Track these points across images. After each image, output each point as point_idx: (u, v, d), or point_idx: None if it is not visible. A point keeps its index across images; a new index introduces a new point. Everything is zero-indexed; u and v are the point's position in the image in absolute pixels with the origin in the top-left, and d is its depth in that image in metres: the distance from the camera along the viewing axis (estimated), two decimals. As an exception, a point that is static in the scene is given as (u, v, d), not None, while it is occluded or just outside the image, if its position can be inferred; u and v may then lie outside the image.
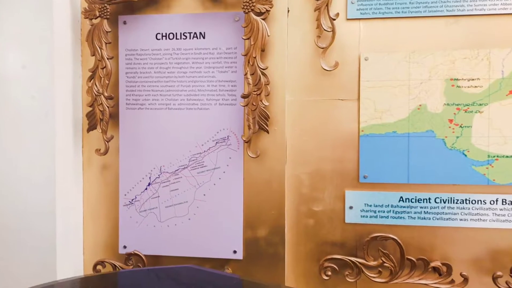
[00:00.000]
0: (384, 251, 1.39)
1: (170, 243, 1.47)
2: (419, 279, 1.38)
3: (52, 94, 1.39)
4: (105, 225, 1.52)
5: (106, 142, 1.46)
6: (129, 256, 1.49)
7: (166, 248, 1.48)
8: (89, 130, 1.46)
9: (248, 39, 1.36)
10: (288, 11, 1.41)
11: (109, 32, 1.43)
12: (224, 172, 1.44)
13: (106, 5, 1.42)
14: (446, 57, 1.37)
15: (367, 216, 1.41)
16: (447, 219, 1.38)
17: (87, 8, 1.43)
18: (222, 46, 1.43)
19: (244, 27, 1.36)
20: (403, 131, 1.38)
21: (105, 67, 1.42)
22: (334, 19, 1.36)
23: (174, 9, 1.45)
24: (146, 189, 1.48)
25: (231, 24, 1.42)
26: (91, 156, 1.52)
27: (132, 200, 1.49)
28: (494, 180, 1.36)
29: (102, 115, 1.44)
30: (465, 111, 1.36)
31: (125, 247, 1.50)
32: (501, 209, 1.36)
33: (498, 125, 1.35)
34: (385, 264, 1.39)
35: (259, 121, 1.38)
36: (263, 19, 1.35)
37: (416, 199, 1.39)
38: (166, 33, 1.45)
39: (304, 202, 1.44)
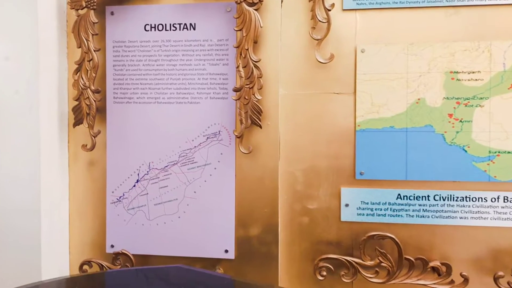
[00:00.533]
0: (381, 251, 1.37)
1: (159, 242, 1.45)
2: (418, 280, 1.36)
3: (36, 87, 1.37)
4: (92, 224, 1.50)
5: (93, 137, 1.43)
6: (116, 255, 1.46)
7: (155, 247, 1.45)
8: (75, 124, 1.44)
9: (240, 30, 1.34)
10: (282, 1, 1.39)
11: (96, 23, 1.40)
12: (215, 168, 1.42)
13: (92, -5, 1.39)
14: (445, 49, 1.34)
15: (363, 214, 1.39)
16: (446, 217, 1.36)
17: (73, -2, 1.40)
18: (213, 37, 1.40)
19: (236, 18, 1.34)
20: (401, 126, 1.36)
21: (91, 59, 1.40)
22: (330, 10, 1.33)
23: (164, -1, 1.43)
24: (134, 186, 1.46)
25: (222, 15, 1.39)
26: (77, 152, 1.49)
27: (120, 197, 1.46)
28: (495, 176, 1.33)
29: (88, 109, 1.42)
30: (465, 105, 1.33)
31: (112, 246, 1.48)
32: (502, 207, 1.34)
33: (500, 119, 1.33)
34: (382, 264, 1.37)
35: (251, 115, 1.35)
36: (255, 9, 1.33)
37: (414, 196, 1.37)
38: (155, 24, 1.42)
39: (298, 199, 1.42)
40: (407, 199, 1.37)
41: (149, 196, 1.44)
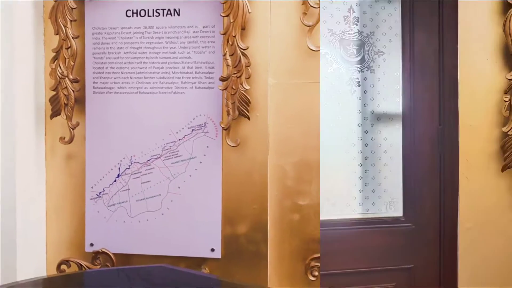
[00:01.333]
0: (376, 249, 1.36)
1: (142, 241, 1.43)
2: (415, 280, 1.34)
3: (11, 76, 1.34)
4: (70, 221, 1.48)
5: (71, 130, 1.41)
6: (96, 254, 1.44)
7: (137, 246, 1.43)
8: (52, 116, 1.42)
9: (227, 16, 1.31)
10: (271, -15, 1.37)
11: (74, 8, 1.37)
12: (200, 162, 1.39)
13: (71, -22, 1.38)
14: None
15: (357, 211, 1.38)
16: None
17: (50, -18, 1.39)
18: (198, 24, 1.38)
19: (223, 3, 1.31)
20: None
21: (70, 47, 1.38)
22: (322, -6, 1.32)
23: (146, -17, 1.42)
24: (115, 181, 1.43)
25: (208, 0, 1.37)
26: (54, 145, 1.47)
27: (100, 193, 1.44)
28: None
29: (66, 99, 1.39)
30: None
31: (92, 244, 1.45)
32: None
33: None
34: (377, 264, 1.36)
35: (239, 106, 1.33)
36: (243, -6, 1.32)
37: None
38: (137, 10, 1.40)
39: (289, 195, 1.39)
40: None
41: (131, 191, 1.42)
